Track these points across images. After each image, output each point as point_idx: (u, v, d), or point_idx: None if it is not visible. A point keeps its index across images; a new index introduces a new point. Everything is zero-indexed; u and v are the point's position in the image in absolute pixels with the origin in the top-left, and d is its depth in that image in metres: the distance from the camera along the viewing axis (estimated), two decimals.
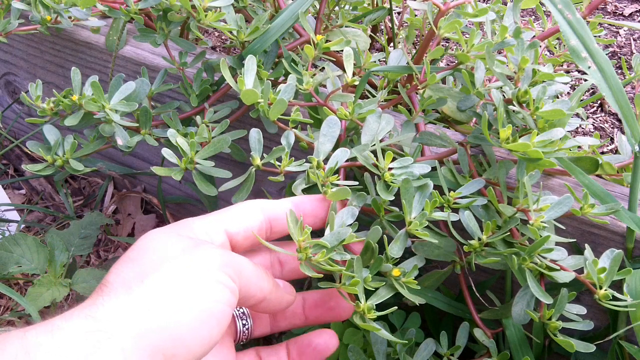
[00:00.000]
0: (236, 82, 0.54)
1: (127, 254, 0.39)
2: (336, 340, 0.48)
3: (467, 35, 0.58)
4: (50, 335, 0.33)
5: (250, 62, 0.55)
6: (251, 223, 0.44)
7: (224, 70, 0.56)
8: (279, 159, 0.53)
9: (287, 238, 0.47)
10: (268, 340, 0.77)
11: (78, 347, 0.32)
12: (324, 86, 0.64)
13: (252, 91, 0.52)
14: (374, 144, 0.52)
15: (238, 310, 0.49)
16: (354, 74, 0.61)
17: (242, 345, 0.51)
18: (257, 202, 0.46)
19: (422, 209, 0.50)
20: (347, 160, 0.53)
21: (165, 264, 0.37)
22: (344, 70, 0.58)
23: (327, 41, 0.60)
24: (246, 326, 0.48)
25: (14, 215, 0.99)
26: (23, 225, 1.00)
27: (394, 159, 0.52)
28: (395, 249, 0.49)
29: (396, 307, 0.46)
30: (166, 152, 0.56)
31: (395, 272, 0.48)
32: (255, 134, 0.54)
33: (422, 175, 0.52)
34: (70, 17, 0.69)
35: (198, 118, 0.63)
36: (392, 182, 0.51)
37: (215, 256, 0.38)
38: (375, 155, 0.52)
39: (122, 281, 0.37)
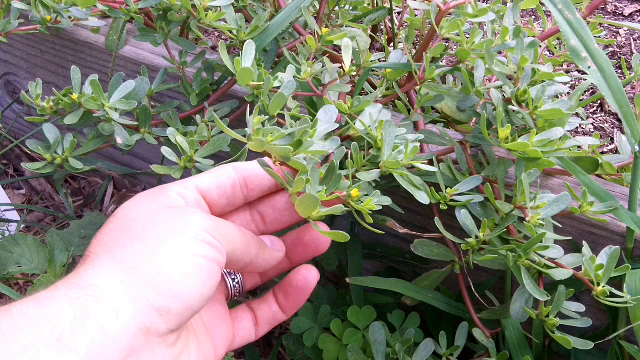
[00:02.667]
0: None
1: (108, 226, 0.39)
2: (315, 273, 0.47)
3: (467, 35, 0.58)
4: (35, 305, 0.32)
5: (249, 46, 0.53)
6: (223, 180, 0.44)
7: (222, 51, 0.56)
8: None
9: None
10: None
11: (64, 314, 0.32)
12: (323, 86, 0.64)
13: (247, 69, 0.50)
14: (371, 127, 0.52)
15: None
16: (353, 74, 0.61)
17: (235, 302, 0.50)
18: (230, 163, 0.46)
19: (401, 153, 0.47)
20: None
21: (149, 230, 0.37)
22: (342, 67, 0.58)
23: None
24: (236, 280, 0.48)
25: (14, 215, 0.99)
26: (23, 225, 1.00)
27: None
28: (364, 175, 0.47)
29: (345, 210, 0.42)
30: (165, 151, 0.56)
31: (354, 192, 0.44)
32: None
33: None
34: (70, 17, 0.69)
35: (198, 117, 0.63)
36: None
37: (198, 220, 0.38)
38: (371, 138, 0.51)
39: (105, 249, 0.37)
